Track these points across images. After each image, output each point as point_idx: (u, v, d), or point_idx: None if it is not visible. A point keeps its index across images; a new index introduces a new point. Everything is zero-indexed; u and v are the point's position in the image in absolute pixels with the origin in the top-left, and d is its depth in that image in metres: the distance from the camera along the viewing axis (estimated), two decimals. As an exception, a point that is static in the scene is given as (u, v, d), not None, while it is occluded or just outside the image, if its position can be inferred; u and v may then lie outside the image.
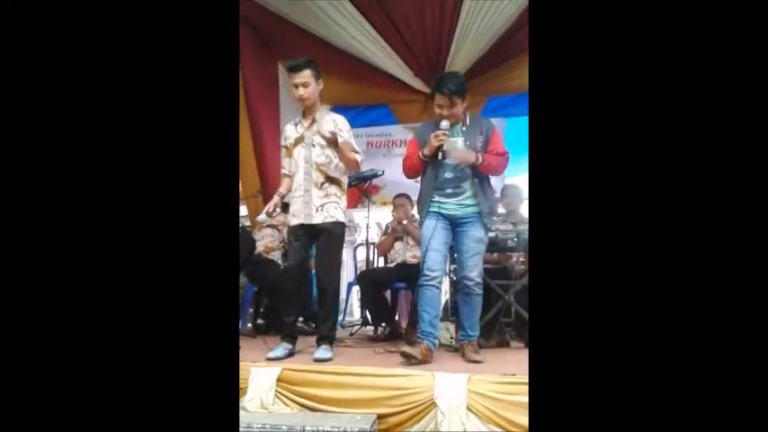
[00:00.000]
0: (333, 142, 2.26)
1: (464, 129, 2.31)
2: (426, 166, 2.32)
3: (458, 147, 2.27)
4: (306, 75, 2.32)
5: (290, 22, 3.70)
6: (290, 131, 2.50)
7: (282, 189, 2.51)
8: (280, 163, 2.57)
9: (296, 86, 2.34)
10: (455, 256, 2.38)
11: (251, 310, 3.70)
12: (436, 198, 2.29)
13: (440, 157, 2.23)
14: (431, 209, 2.28)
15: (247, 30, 3.78)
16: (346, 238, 2.69)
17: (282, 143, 2.54)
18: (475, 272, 2.26)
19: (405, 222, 3.36)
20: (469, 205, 2.28)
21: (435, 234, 2.24)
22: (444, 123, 2.22)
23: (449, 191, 2.28)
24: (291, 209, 2.41)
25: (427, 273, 2.23)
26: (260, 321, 3.65)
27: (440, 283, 2.26)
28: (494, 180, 4.30)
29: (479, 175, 2.30)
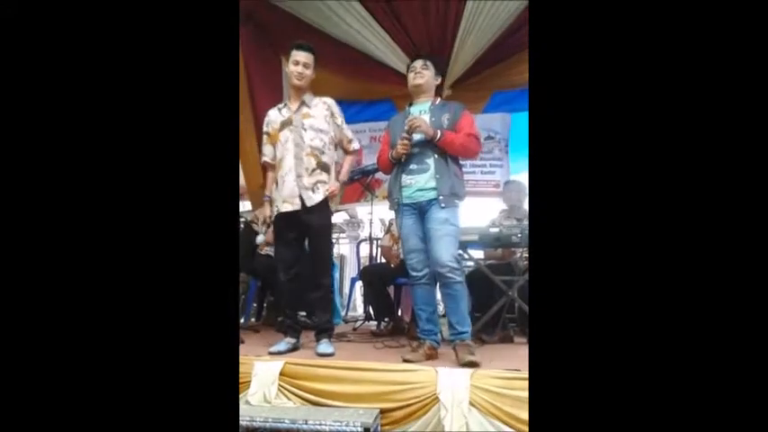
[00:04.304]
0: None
1: (431, 107, 2.32)
2: (395, 165, 2.31)
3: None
4: (309, 57, 2.35)
5: (294, 17, 3.68)
6: (273, 116, 2.42)
7: (267, 190, 2.43)
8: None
9: (296, 63, 2.32)
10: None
11: (254, 305, 3.71)
12: (404, 180, 2.24)
13: (402, 159, 2.25)
14: (402, 201, 2.24)
15: (252, 26, 3.77)
16: (349, 234, 2.67)
17: (264, 129, 2.45)
18: (446, 256, 2.08)
19: None
20: (431, 188, 2.18)
21: (410, 232, 2.23)
22: (416, 117, 2.22)
23: (413, 167, 2.23)
24: (283, 194, 2.31)
25: (412, 273, 2.24)
26: (263, 315, 3.66)
27: (429, 278, 2.22)
28: (498, 175, 4.35)
29: (444, 154, 2.21)
